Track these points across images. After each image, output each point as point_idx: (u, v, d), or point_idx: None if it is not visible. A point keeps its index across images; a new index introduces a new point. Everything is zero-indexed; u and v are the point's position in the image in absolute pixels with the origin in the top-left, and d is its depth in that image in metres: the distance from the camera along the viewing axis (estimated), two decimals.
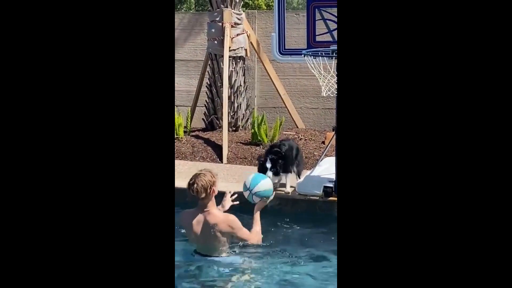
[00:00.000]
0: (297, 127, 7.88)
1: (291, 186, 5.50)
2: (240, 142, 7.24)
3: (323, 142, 7.15)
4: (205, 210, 4.31)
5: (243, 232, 4.38)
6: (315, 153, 6.80)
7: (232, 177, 6.08)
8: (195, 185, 4.22)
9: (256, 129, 7.11)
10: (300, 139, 7.36)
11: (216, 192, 4.33)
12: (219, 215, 4.35)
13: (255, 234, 4.47)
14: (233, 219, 4.36)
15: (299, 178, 5.59)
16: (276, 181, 5.37)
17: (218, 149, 7.03)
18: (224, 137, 7.00)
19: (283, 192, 5.45)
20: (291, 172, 5.46)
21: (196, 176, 4.28)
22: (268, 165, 5.27)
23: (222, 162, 6.77)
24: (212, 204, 4.34)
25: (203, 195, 4.23)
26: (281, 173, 5.34)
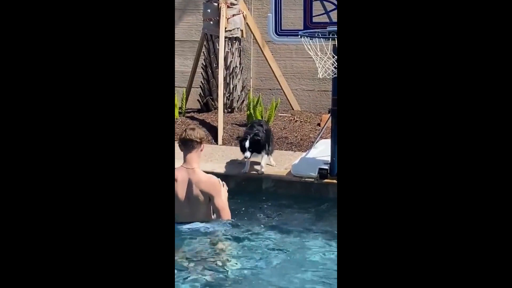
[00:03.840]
0: (293, 109, 7.86)
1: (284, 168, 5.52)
2: (236, 124, 7.22)
3: (319, 124, 7.14)
4: (189, 166, 4.32)
5: (221, 199, 4.36)
6: (311, 135, 6.79)
7: (227, 158, 6.07)
8: (191, 131, 4.34)
9: (252, 111, 7.08)
10: (296, 121, 7.35)
11: (203, 150, 4.42)
12: (203, 175, 4.38)
13: (227, 210, 4.43)
14: (215, 181, 4.38)
15: (271, 155, 5.71)
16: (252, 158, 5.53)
17: (213, 130, 7.01)
18: (220, 119, 6.97)
19: (257, 172, 5.60)
20: (267, 154, 5.61)
21: (189, 127, 4.47)
22: (247, 144, 5.41)
23: (217, 143, 6.76)
24: (197, 161, 4.37)
25: (198, 140, 4.31)
26: (260, 152, 5.51)
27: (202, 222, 4.35)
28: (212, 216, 4.39)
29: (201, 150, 4.39)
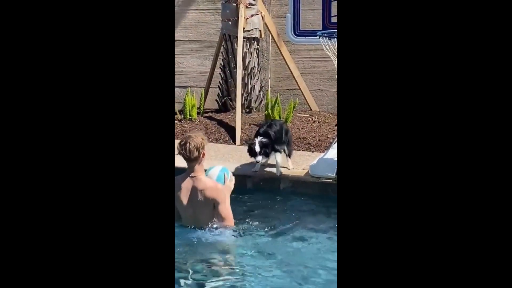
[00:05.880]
0: (311, 110, 7.84)
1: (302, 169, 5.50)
2: (254, 124, 7.22)
3: (337, 125, 7.12)
4: (193, 175, 4.30)
5: (225, 206, 4.31)
6: (329, 136, 6.77)
7: (245, 159, 6.07)
8: (187, 144, 4.19)
9: (270, 111, 7.08)
10: (314, 121, 7.33)
11: (205, 156, 4.33)
12: (208, 182, 4.34)
13: (230, 217, 4.38)
14: (221, 188, 4.35)
15: (290, 157, 5.67)
16: (265, 161, 5.46)
17: (231, 130, 7.01)
18: (238, 119, 6.98)
19: (277, 173, 5.56)
20: (280, 152, 5.50)
21: (187, 137, 4.27)
22: (257, 148, 5.32)
23: (235, 143, 6.76)
24: (200, 169, 4.33)
25: (195, 154, 4.21)
26: (270, 154, 5.40)
27: (206, 224, 4.34)
28: (214, 221, 4.34)
29: (203, 156, 4.31)
